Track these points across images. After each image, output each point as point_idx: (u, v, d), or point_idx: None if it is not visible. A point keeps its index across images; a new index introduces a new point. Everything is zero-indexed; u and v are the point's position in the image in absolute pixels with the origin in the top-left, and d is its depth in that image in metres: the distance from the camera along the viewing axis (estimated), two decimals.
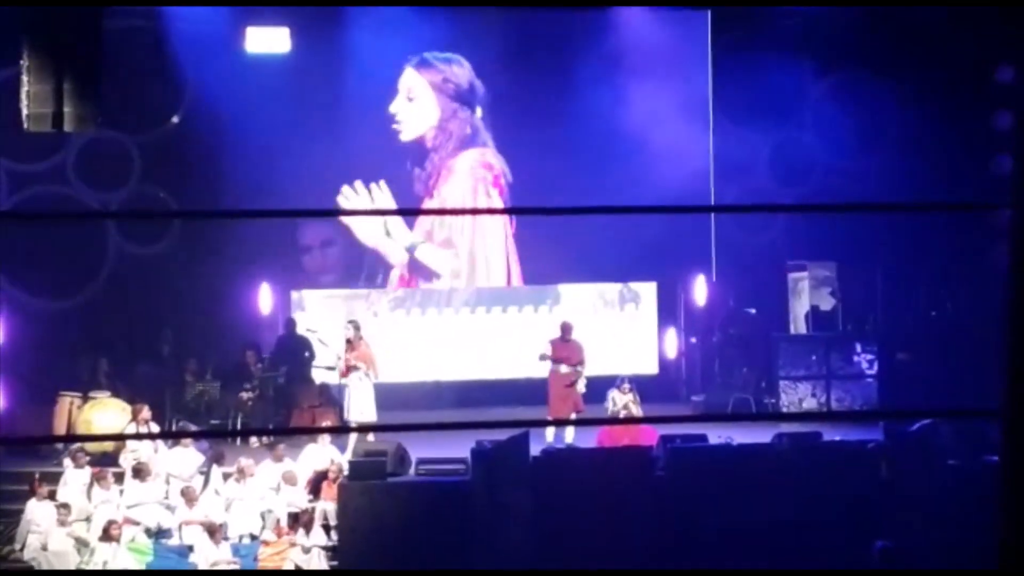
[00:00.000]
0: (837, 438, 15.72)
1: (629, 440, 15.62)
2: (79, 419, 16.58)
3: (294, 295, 19.64)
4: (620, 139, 19.03)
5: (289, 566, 14.34)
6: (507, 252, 20.32)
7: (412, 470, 15.25)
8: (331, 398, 17.34)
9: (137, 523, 14.72)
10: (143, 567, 14.26)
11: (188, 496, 14.91)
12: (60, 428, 16.58)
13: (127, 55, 17.30)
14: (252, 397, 17.74)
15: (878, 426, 15.69)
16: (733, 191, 19.47)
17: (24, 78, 12.21)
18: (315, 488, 15.30)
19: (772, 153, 19.65)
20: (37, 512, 14.70)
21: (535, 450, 15.19)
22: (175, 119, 19.11)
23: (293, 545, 14.42)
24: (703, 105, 19.84)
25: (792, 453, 15.14)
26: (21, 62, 12.26)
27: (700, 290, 20.00)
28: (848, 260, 19.17)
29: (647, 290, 20.20)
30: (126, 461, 15.38)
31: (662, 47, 19.17)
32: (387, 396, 17.48)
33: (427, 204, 19.90)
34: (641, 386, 16.95)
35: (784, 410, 18.20)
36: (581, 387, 16.55)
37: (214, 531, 14.38)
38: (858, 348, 18.56)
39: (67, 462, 15.27)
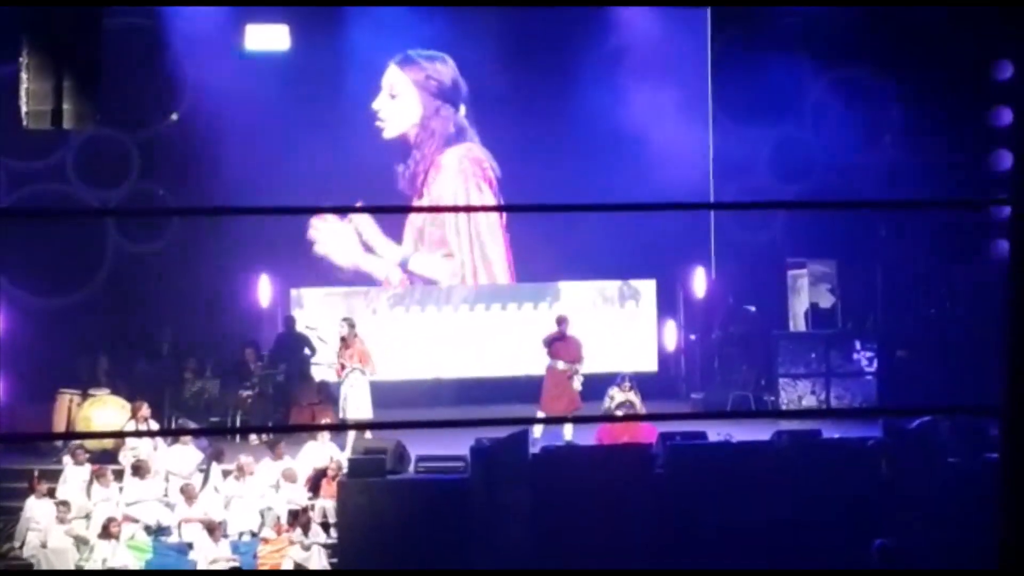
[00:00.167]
0: (836, 436, 15.71)
1: (629, 437, 15.63)
2: (78, 416, 16.58)
3: (293, 292, 19.65)
4: (620, 137, 19.02)
5: (288, 564, 14.33)
6: (504, 247, 20.33)
7: (411, 468, 15.25)
8: (330, 395, 17.35)
9: (136, 521, 14.72)
10: (142, 565, 14.26)
11: (188, 494, 14.91)
12: (59, 425, 16.57)
13: (126, 53, 17.28)
14: (251, 395, 17.76)
15: (877, 424, 15.68)
16: (733, 189, 19.47)
17: (23, 76, 12.19)
18: (314, 486, 15.31)
19: (771, 151, 19.64)
20: (36, 510, 14.70)
21: (534, 447, 15.19)
22: (174, 117, 19.10)
23: (293, 543, 14.41)
24: (702, 103, 19.83)
25: (791, 451, 15.14)
26: (20, 59, 12.25)
27: (700, 288, 20.02)
28: (848, 258, 19.18)
29: (647, 287, 20.21)
30: (126, 459, 15.39)
31: (661, 45, 19.16)
32: (387, 393, 17.49)
33: (417, 203, 19.88)
34: (641, 383, 16.97)
35: (783, 408, 18.22)
36: (578, 384, 16.56)
37: (213, 529, 14.38)
38: (857, 345, 18.57)
39: (67, 460, 15.28)
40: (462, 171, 20.20)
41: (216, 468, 15.35)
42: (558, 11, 19.38)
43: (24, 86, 12.20)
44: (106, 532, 14.21)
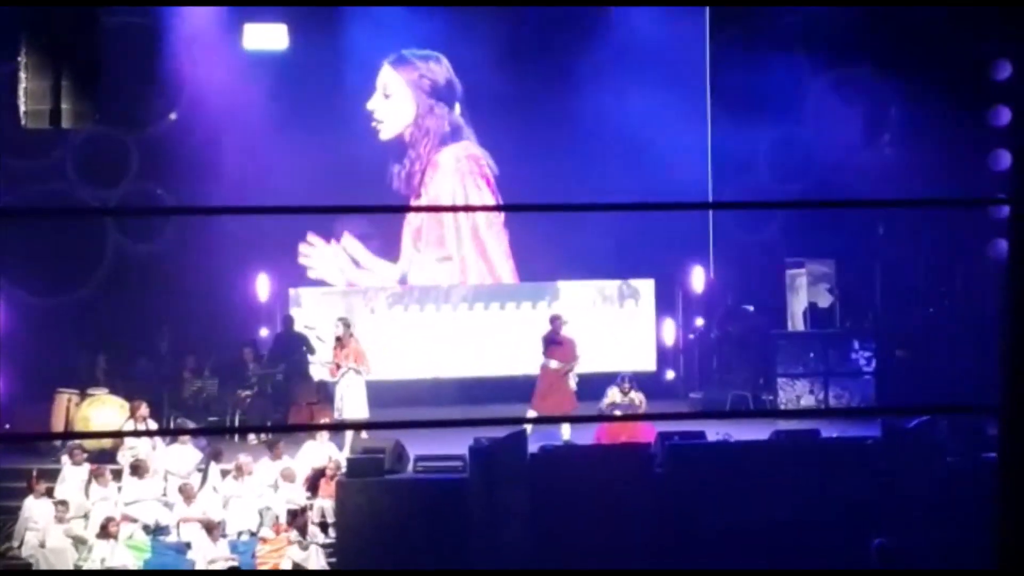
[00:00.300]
0: (835, 435, 15.72)
1: (627, 437, 15.62)
2: (77, 416, 16.56)
3: (291, 292, 19.65)
4: (618, 136, 19.04)
5: (287, 564, 14.32)
6: (505, 245, 20.33)
7: (410, 467, 15.24)
8: (329, 395, 17.33)
9: (135, 520, 14.71)
10: (141, 564, 14.25)
11: (186, 493, 14.90)
12: (58, 425, 16.56)
13: (125, 52, 17.21)
14: (250, 394, 17.76)
15: (876, 423, 15.69)
16: (731, 188, 19.47)
17: (22, 75, 12.20)
18: (313, 485, 15.30)
19: (770, 150, 19.64)
20: (35, 509, 14.70)
21: (532, 447, 15.19)
22: (173, 116, 19.08)
23: (291, 543, 14.40)
24: (701, 102, 19.85)
25: (790, 450, 15.15)
26: (19, 59, 12.25)
27: (698, 287, 20.03)
28: (846, 257, 19.17)
29: (646, 287, 20.22)
30: (124, 458, 15.38)
31: (660, 44, 19.15)
32: (386, 393, 17.50)
33: (414, 202, 19.89)
34: (639, 383, 16.96)
35: (782, 407, 18.21)
36: (573, 383, 16.55)
37: (212, 528, 14.37)
38: (856, 345, 18.56)
39: (65, 459, 15.27)
40: (459, 169, 20.22)
41: (215, 468, 15.35)
42: (556, 11, 19.40)
43: (22, 85, 12.21)
44: (104, 532, 14.20)
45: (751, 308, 19.48)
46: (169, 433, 16.63)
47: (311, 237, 19.76)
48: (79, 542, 14.50)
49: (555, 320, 16.96)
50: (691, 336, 20.11)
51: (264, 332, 19.24)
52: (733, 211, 19.76)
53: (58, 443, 15.95)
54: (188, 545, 14.47)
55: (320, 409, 17.28)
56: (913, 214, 18.86)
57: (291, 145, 18.91)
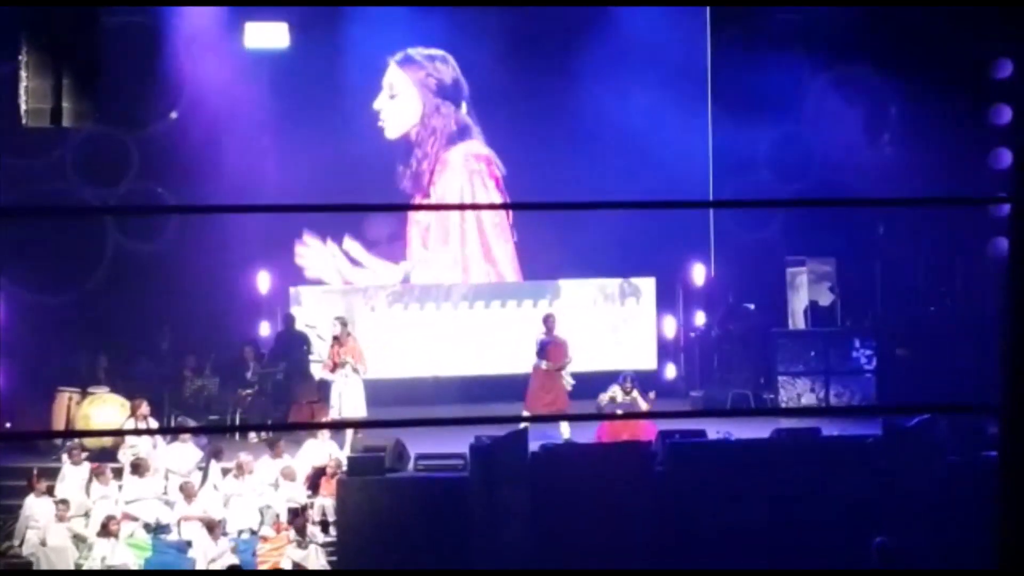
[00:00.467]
0: (836, 434, 15.73)
1: (628, 435, 15.62)
2: (78, 415, 16.56)
3: (291, 290, 19.65)
4: (619, 135, 19.04)
5: (287, 562, 14.32)
6: (511, 245, 20.32)
7: (411, 466, 15.25)
8: (330, 394, 17.32)
9: (136, 519, 14.72)
10: (142, 563, 14.26)
11: (187, 492, 14.91)
12: (59, 424, 16.56)
13: (125, 51, 17.23)
14: (251, 393, 17.77)
15: (876, 422, 15.69)
16: (732, 187, 19.47)
17: (22, 74, 12.19)
18: (314, 484, 15.31)
19: (771, 149, 19.64)
20: (36, 508, 14.70)
21: (533, 445, 15.18)
22: (173, 115, 19.07)
23: (291, 541, 14.41)
24: (702, 101, 19.85)
25: (791, 449, 15.15)
26: (20, 57, 12.25)
27: (699, 286, 20.03)
28: (847, 256, 19.17)
29: (647, 285, 20.21)
30: (125, 457, 15.39)
31: (661, 44, 19.15)
32: (386, 391, 17.50)
33: (422, 201, 19.87)
34: (640, 381, 16.96)
35: (783, 406, 18.22)
36: (567, 383, 16.53)
37: (213, 527, 14.37)
38: (857, 343, 18.56)
39: (64, 458, 15.28)
40: (468, 168, 20.20)
41: (215, 466, 15.35)
42: (557, 10, 19.39)
43: (23, 84, 12.21)
44: (105, 530, 14.21)
45: (752, 306, 19.49)
46: (170, 432, 16.64)
47: (307, 237, 19.73)
48: (80, 541, 14.51)
49: (547, 320, 16.94)
50: (692, 334, 20.11)
51: (265, 330, 19.23)
52: (734, 210, 19.76)
53: (59, 442, 15.95)
54: (189, 543, 14.47)
55: (321, 408, 17.28)
56: (914, 213, 18.86)
57: (292, 144, 18.92)
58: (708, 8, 19.73)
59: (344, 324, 16.67)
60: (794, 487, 14.55)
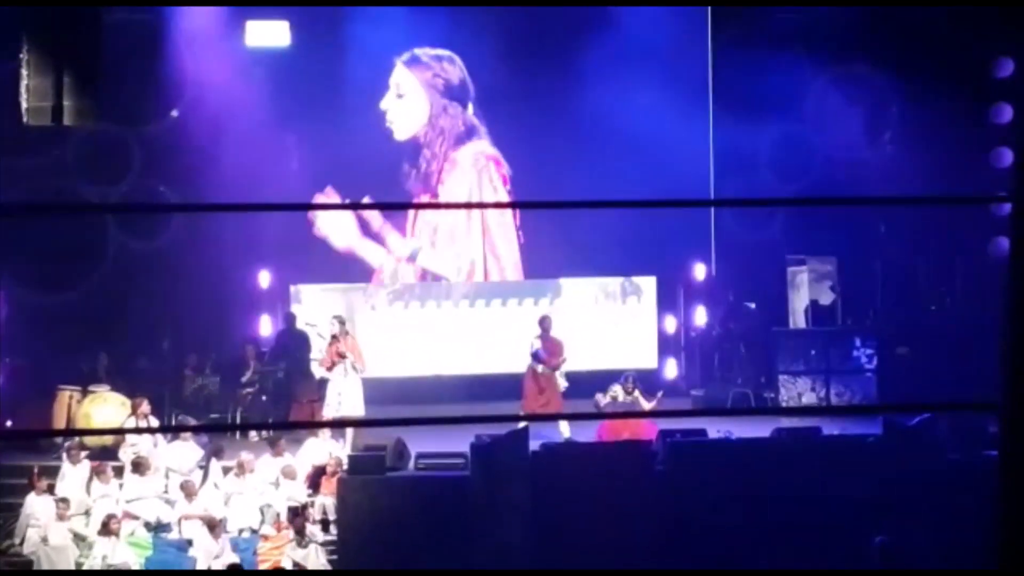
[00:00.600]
0: (836, 433, 15.72)
1: (629, 434, 15.62)
2: (78, 413, 16.56)
3: (292, 288, 19.64)
4: (620, 134, 19.03)
5: (288, 561, 14.33)
6: (517, 245, 20.31)
7: (411, 464, 15.24)
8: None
9: (137, 517, 14.73)
10: (142, 561, 14.26)
11: (187, 490, 14.92)
12: (59, 422, 16.55)
13: (127, 49, 17.23)
14: (251, 391, 17.77)
15: (877, 420, 15.69)
16: (733, 186, 19.46)
17: (24, 72, 12.20)
18: (314, 483, 15.31)
19: (772, 148, 19.63)
20: (36, 506, 14.71)
21: (533, 444, 15.18)
22: (175, 113, 19.07)
23: (292, 540, 14.41)
24: (703, 101, 19.85)
25: (791, 448, 15.15)
26: (21, 56, 12.25)
27: (700, 285, 20.03)
28: (848, 255, 19.17)
29: (648, 284, 20.21)
30: (125, 455, 15.40)
31: (662, 43, 19.14)
32: (386, 390, 17.49)
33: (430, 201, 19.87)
34: (640, 380, 16.96)
35: (783, 405, 18.21)
36: (562, 383, 16.53)
37: (214, 525, 14.38)
38: (857, 342, 18.55)
39: (64, 457, 15.28)
40: (477, 168, 20.19)
41: (216, 465, 15.36)
42: (558, 10, 19.39)
43: (24, 82, 12.22)
44: (106, 529, 14.22)
45: (753, 305, 19.49)
46: (170, 430, 16.64)
47: (329, 190, 19.54)
48: (80, 539, 14.51)
49: (544, 322, 16.92)
50: (693, 333, 20.11)
51: (265, 329, 19.23)
52: (735, 209, 19.76)
53: (59, 440, 15.96)
54: (189, 542, 14.48)
55: (321, 406, 17.24)
56: (915, 212, 18.85)
57: (292, 142, 18.91)
58: (709, 8, 19.73)
59: (342, 323, 16.64)
60: (795, 486, 14.54)
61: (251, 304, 19.32)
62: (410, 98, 19.99)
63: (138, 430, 16.05)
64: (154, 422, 16.01)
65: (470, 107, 20.17)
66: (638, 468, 14.83)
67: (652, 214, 17.94)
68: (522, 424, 15.23)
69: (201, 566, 14.19)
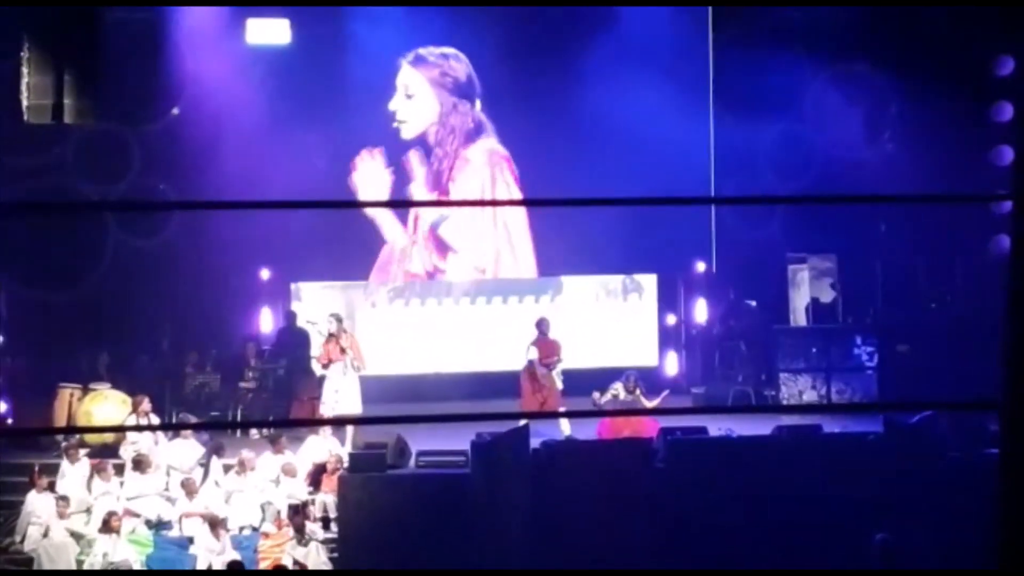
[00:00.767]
0: (837, 430, 15.72)
1: (630, 432, 15.62)
2: (79, 411, 16.57)
3: (292, 286, 19.63)
4: (621, 133, 19.04)
5: (288, 559, 14.33)
6: (530, 242, 20.30)
7: (412, 462, 15.24)
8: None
9: (137, 515, 14.74)
10: (143, 559, 14.27)
11: (188, 488, 14.92)
12: (60, 420, 16.57)
13: (127, 47, 17.22)
14: (252, 389, 17.77)
15: (878, 418, 15.69)
16: (734, 184, 19.47)
17: (24, 70, 12.21)
18: (315, 480, 15.31)
19: (772, 147, 19.63)
20: (37, 504, 14.71)
21: (534, 442, 15.18)
22: (175, 111, 19.06)
23: (292, 538, 14.41)
24: (704, 100, 19.86)
25: (792, 446, 15.15)
26: (21, 54, 12.26)
27: (700, 282, 20.03)
28: (848, 252, 19.16)
29: (649, 282, 20.21)
30: (126, 453, 15.40)
31: (663, 42, 19.16)
32: (387, 388, 17.49)
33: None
34: (641, 378, 16.95)
35: (784, 402, 18.21)
36: (559, 382, 16.52)
37: (214, 523, 14.38)
38: (858, 340, 18.55)
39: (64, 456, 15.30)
40: (489, 165, 20.18)
41: (217, 462, 15.36)
42: (558, 10, 19.39)
43: (25, 80, 12.22)
44: (107, 526, 14.23)
45: (753, 303, 19.49)
46: (171, 428, 16.64)
47: (374, 151, 19.54)
48: (81, 537, 14.51)
49: (541, 324, 16.90)
50: (693, 331, 20.13)
51: (266, 327, 19.23)
52: (736, 207, 19.77)
53: (60, 438, 15.97)
54: (190, 540, 14.48)
55: (322, 404, 17.28)
56: (915, 210, 18.84)
57: (293, 140, 18.90)
58: (710, 8, 19.73)
59: (340, 321, 16.62)
60: (795, 484, 14.54)
61: (251, 302, 19.33)
62: (419, 98, 19.97)
63: (139, 428, 16.06)
64: (155, 420, 16.02)
65: (478, 103, 20.17)
66: (639, 466, 14.83)
67: (653, 212, 17.96)
68: (523, 422, 15.24)
69: (202, 564, 14.20)
